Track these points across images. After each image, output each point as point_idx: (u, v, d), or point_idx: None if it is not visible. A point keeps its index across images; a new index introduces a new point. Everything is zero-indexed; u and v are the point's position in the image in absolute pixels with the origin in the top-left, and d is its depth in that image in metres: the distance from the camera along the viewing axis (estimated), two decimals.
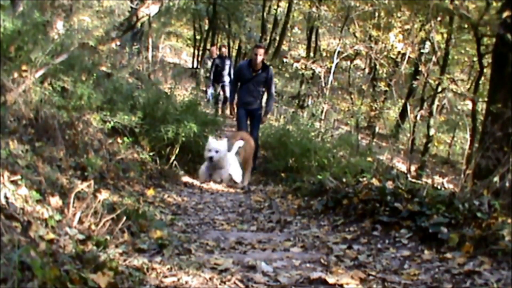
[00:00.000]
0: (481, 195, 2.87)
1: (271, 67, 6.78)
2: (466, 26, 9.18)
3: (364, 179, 3.69)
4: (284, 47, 16.08)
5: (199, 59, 17.94)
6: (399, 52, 12.42)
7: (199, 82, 11.91)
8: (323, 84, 10.71)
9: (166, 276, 1.93)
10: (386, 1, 11.07)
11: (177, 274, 1.98)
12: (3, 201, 1.99)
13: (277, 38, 13.57)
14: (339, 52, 10.76)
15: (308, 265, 2.24)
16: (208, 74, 10.48)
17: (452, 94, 11.69)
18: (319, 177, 4.23)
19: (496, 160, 3.96)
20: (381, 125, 13.65)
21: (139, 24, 9.71)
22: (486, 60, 8.34)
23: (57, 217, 2.21)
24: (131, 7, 9.35)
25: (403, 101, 13.20)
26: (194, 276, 1.97)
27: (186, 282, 1.91)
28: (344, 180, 3.99)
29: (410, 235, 2.65)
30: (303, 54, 14.85)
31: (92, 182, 2.54)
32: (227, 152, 5.38)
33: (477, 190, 3.08)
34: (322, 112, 9.63)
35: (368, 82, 13.69)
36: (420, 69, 11.33)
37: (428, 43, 11.94)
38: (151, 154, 5.24)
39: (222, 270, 2.10)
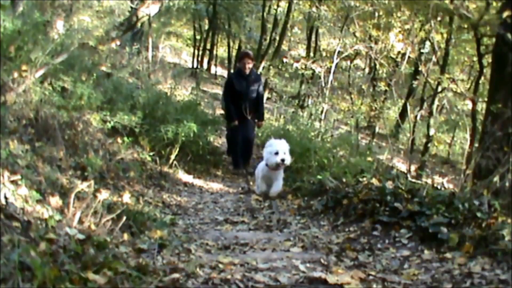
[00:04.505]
0: (481, 195, 2.87)
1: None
2: (466, 26, 9.16)
3: (364, 179, 3.69)
4: (284, 47, 16.06)
5: (199, 59, 17.94)
6: (399, 52, 12.40)
7: (199, 82, 11.89)
8: (323, 84, 10.69)
9: (166, 276, 1.93)
10: (386, 1, 11.06)
11: (176, 274, 1.98)
12: (3, 201, 1.99)
13: (277, 38, 13.56)
14: (339, 52, 10.74)
15: (308, 265, 2.23)
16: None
17: (452, 94, 11.69)
18: (319, 177, 4.22)
19: (496, 160, 3.95)
20: (381, 125, 13.63)
21: (139, 24, 9.71)
22: (486, 60, 8.32)
23: (57, 217, 2.21)
24: (131, 7, 9.35)
25: (403, 101, 13.19)
26: (194, 276, 1.97)
27: (186, 282, 1.91)
28: (344, 180, 3.99)
29: (410, 235, 2.65)
30: (303, 54, 14.83)
31: (92, 182, 2.54)
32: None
33: (477, 190, 3.08)
34: (322, 112, 9.61)
35: (368, 82, 13.68)
36: (420, 69, 11.32)
37: (428, 43, 11.93)
38: (151, 154, 5.24)
39: (222, 270, 2.10)
